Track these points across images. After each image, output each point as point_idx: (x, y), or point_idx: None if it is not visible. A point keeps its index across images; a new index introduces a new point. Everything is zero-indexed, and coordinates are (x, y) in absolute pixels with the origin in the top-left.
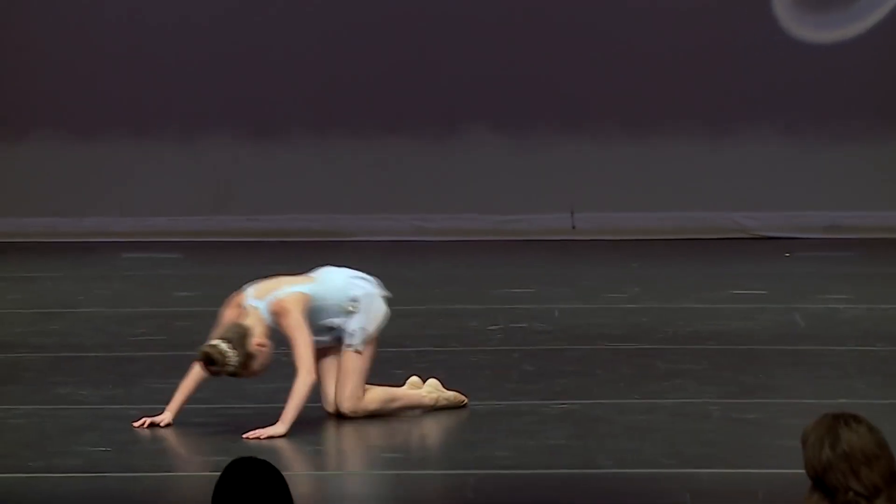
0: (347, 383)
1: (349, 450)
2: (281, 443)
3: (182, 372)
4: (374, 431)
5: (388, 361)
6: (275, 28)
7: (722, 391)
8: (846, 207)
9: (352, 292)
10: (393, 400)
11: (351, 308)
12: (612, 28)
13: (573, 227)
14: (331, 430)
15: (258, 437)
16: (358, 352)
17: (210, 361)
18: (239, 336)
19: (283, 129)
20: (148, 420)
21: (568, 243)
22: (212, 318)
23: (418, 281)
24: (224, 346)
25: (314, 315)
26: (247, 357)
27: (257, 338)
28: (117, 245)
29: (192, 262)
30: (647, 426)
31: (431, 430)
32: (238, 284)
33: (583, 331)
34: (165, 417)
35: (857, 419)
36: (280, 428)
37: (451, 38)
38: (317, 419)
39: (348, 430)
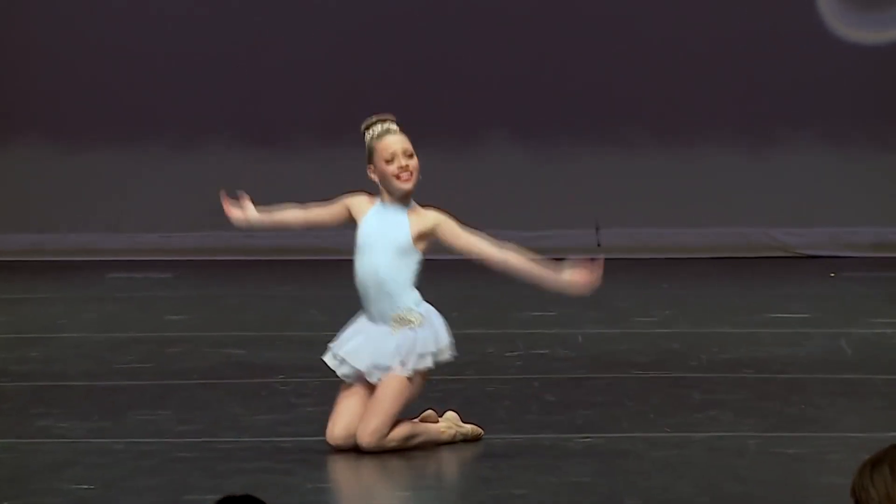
0: (378, 414)
1: (355, 487)
2: (278, 478)
3: (172, 402)
4: (383, 467)
5: None
6: (277, 29)
7: (761, 424)
8: (895, 223)
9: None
10: (413, 436)
11: (415, 319)
12: (641, 29)
13: (598, 245)
14: (335, 465)
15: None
16: (409, 378)
17: None
18: None
19: (285, 137)
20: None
21: (593, 262)
22: (205, 343)
23: (432, 302)
24: None
25: None
26: None
27: None
28: (105, 264)
29: (186, 283)
30: (679, 462)
31: (445, 466)
32: (235, 307)
33: (609, 358)
34: (250, 208)
35: None
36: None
37: (468, 39)
38: (318, 452)
39: (354, 466)
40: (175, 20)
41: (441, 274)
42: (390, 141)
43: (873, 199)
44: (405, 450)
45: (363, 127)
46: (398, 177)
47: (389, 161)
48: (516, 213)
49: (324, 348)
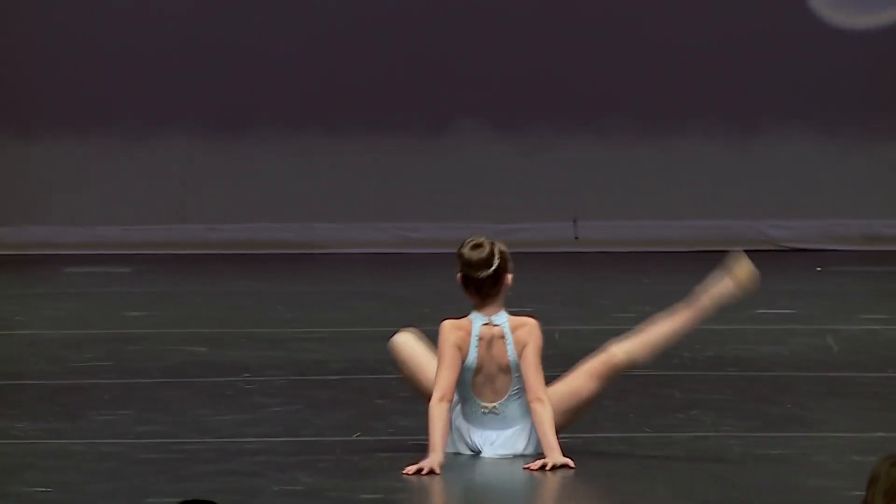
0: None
1: (322, 489)
2: (243, 480)
3: (133, 402)
4: (353, 467)
5: (365, 390)
6: (240, 17)
7: (745, 424)
8: (886, 215)
9: None
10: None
11: None
12: (624, 14)
13: (576, 238)
14: (302, 467)
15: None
16: None
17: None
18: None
19: (251, 127)
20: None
21: (571, 255)
22: (167, 341)
23: (403, 299)
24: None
25: None
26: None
27: None
28: (62, 258)
29: (147, 278)
30: (660, 464)
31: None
32: (198, 303)
33: (587, 355)
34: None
35: None
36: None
37: (442, 29)
38: (284, 453)
39: (322, 468)
40: (133, 9)
41: (417, 269)
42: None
43: (863, 191)
44: (374, 451)
45: (476, 247)
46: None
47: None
48: (492, 205)
49: (290, 345)
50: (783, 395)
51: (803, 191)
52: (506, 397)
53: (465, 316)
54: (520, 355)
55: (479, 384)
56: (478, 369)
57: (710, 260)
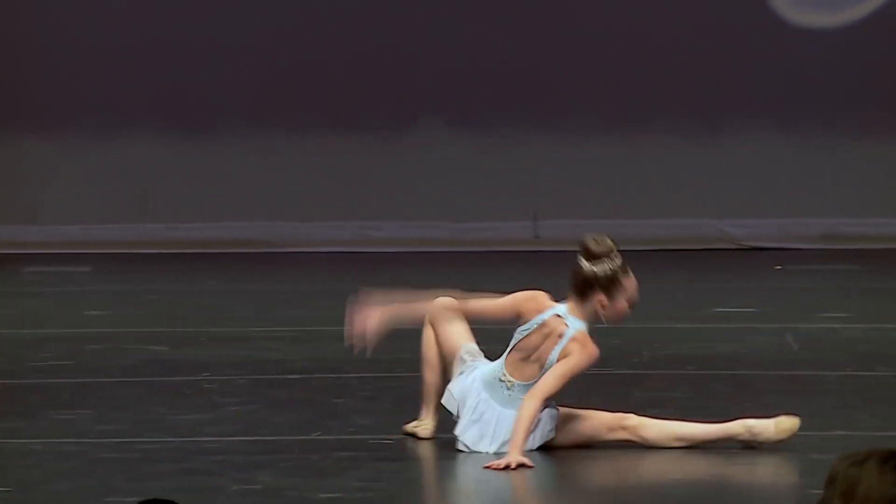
0: None
1: (282, 489)
2: (202, 480)
3: (92, 401)
4: (311, 468)
5: (325, 389)
6: (203, 13)
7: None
8: (846, 214)
9: None
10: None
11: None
12: (586, 12)
13: (537, 237)
14: (261, 467)
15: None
16: None
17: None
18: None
19: (212, 125)
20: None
21: (531, 254)
22: (127, 340)
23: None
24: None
25: None
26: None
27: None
28: (21, 257)
29: (107, 277)
30: (620, 462)
31: (378, 467)
32: (158, 302)
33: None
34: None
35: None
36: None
37: (403, 25)
38: (244, 452)
39: (281, 467)
40: (95, 5)
41: (379, 268)
42: (633, 281)
43: (822, 190)
44: (334, 450)
45: (595, 252)
46: (623, 319)
47: (630, 301)
48: (454, 203)
49: (251, 344)
50: (742, 394)
51: (763, 189)
52: (525, 383)
53: (557, 301)
54: (558, 360)
55: (514, 356)
56: (522, 345)
57: (670, 258)
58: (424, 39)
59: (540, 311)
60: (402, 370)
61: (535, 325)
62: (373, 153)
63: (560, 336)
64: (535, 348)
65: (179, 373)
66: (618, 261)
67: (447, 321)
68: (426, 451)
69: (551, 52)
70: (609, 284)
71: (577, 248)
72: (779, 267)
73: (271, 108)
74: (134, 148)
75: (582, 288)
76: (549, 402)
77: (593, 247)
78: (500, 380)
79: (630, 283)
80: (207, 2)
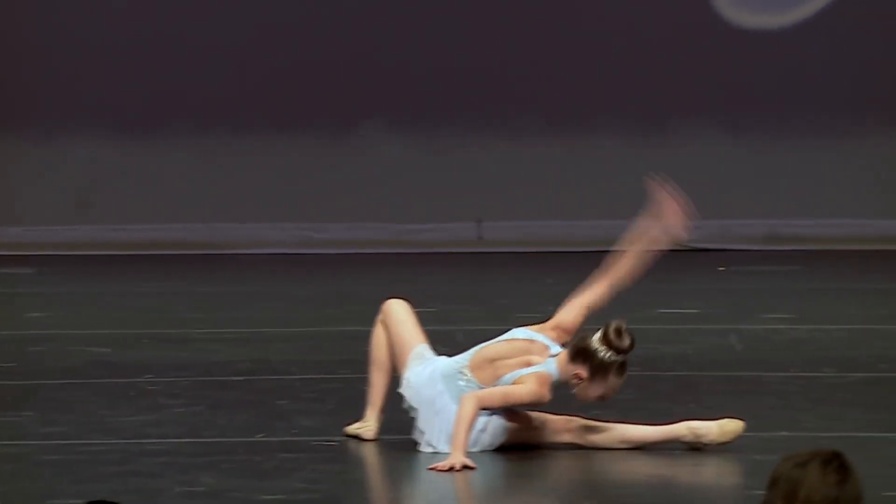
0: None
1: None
2: (146, 482)
3: (35, 403)
4: (253, 469)
5: (269, 391)
6: (147, 13)
7: (650, 423)
8: (788, 215)
9: None
10: None
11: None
12: (530, 13)
13: (480, 238)
14: (205, 469)
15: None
16: None
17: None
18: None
19: (155, 125)
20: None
21: (475, 256)
22: (70, 342)
23: (307, 299)
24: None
25: None
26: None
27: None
28: None
29: (49, 279)
30: (563, 464)
31: (321, 468)
32: (101, 303)
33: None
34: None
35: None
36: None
37: (347, 27)
38: (188, 454)
39: (224, 469)
40: (35, 9)
41: (322, 270)
42: (619, 382)
43: (766, 191)
44: (277, 452)
45: (611, 338)
46: (590, 399)
47: (604, 394)
48: (397, 205)
49: (194, 345)
50: (686, 394)
51: (707, 190)
52: (479, 385)
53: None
54: (512, 381)
55: (482, 354)
56: (500, 349)
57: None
58: (367, 41)
59: (537, 341)
60: (345, 372)
61: (526, 338)
62: (316, 155)
63: (528, 364)
64: (504, 358)
65: (122, 374)
66: (621, 358)
67: (400, 322)
68: (370, 452)
69: (494, 54)
70: (598, 369)
71: (605, 324)
72: (722, 268)
73: (214, 109)
74: (77, 149)
75: (577, 353)
76: (499, 411)
77: (613, 335)
78: (460, 371)
79: (616, 382)
80: (151, 5)
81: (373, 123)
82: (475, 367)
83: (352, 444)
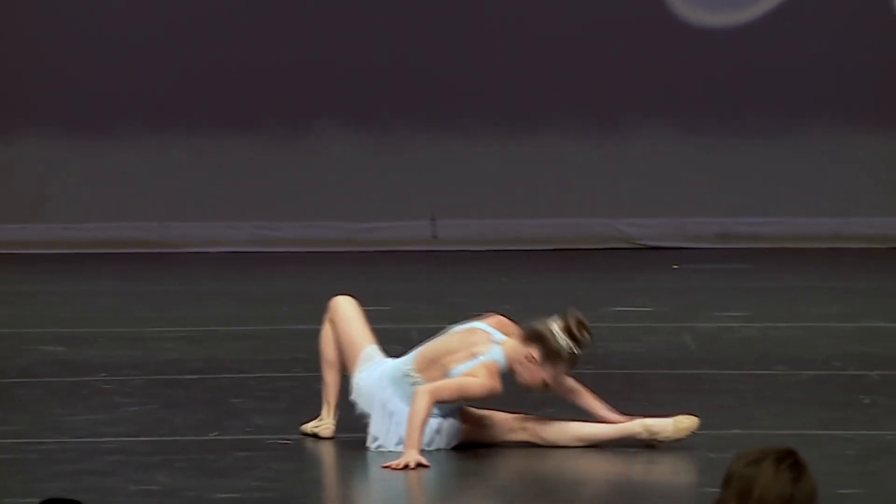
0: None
1: (179, 489)
2: (100, 480)
3: None
4: (209, 467)
5: (223, 389)
6: (100, 9)
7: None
8: (741, 213)
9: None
10: None
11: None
12: (484, 10)
13: (434, 236)
14: (159, 467)
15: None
16: None
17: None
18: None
19: (108, 124)
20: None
21: (429, 254)
22: (23, 340)
23: (261, 298)
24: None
25: None
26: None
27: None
28: None
29: (2, 277)
30: (515, 462)
31: (277, 466)
32: (54, 302)
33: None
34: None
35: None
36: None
37: (301, 25)
38: (141, 453)
39: (178, 468)
40: None
41: (276, 268)
42: (565, 374)
43: (718, 190)
44: (231, 450)
45: (571, 328)
46: (533, 388)
47: (549, 382)
48: (348, 204)
49: (148, 344)
50: (639, 393)
51: (659, 188)
52: (425, 381)
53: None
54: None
55: (425, 354)
56: (440, 345)
57: (568, 258)
58: (320, 40)
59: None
60: (299, 370)
61: (466, 328)
62: (270, 153)
63: (473, 356)
64: (448, 353)
65: (76, 373)
66: (577, 352)
67: (347, 320)
68: (325, 451)
69: (449, 52)
70: (551, 355)
71: (564, 314)
72: (676, 266)
73: (168, 107)
74: (29, 147)
75: (531, 336)
76: (454, 412)
77: (575, 326)
78: (407, 375)
79: (563, 372)
80: (102, 4)
81: (326, 122)
82: (421, 368)
83: (307, 442)
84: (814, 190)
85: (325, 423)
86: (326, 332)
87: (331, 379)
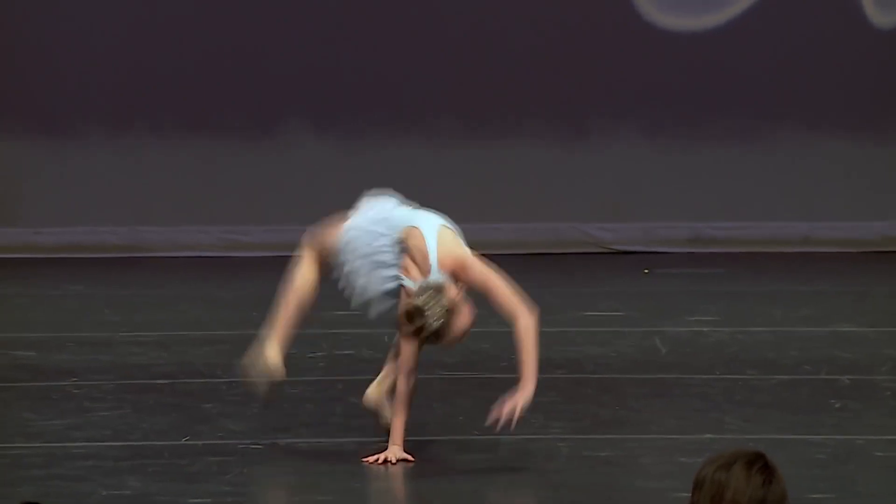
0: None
1: (151, 495)
2: (71, 485)
3: None
4: (180, 474)
5: (194, 394)
6: (64, 9)
7: (572, 426)
8: (711, 217)
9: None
10: None
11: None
12: (450, 13)
13: None
14: (130, 472)
15: (514, 413)
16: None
17: (410, 317)
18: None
19: (73, 126)
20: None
21: None
22: None
23: (230, 302)
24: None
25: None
26: (448, 314)
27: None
28: None
29: None
30: (488, 466)
31: (245, 471)
32: (23, 307)
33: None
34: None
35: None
36: (529, 388)
37: (266, 24)
38: (112, 458)
39: (150, 472)
40: None
41: (244, 272)
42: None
43: (689, 193)
44: (203, 455)
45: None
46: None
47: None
48: (318, 206)
49: (118, 349)
50: (610, 397)
51: (630, 193)
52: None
53: None
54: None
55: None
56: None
57: (537, 262)
58: (287, 41)
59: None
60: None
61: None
62: (237, 156)
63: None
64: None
65: (47, 378)
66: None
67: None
68: (297, 455)
69: (417, 55)
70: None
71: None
72: (646, 270)
73: (135, 111)
74: None
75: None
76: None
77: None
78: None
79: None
80: (68, 3)
81: (295, 125)
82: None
83: (278, 446)
84: (784, 194)
85: (273, 361)
86: (306, 272)
87: (293, 315)
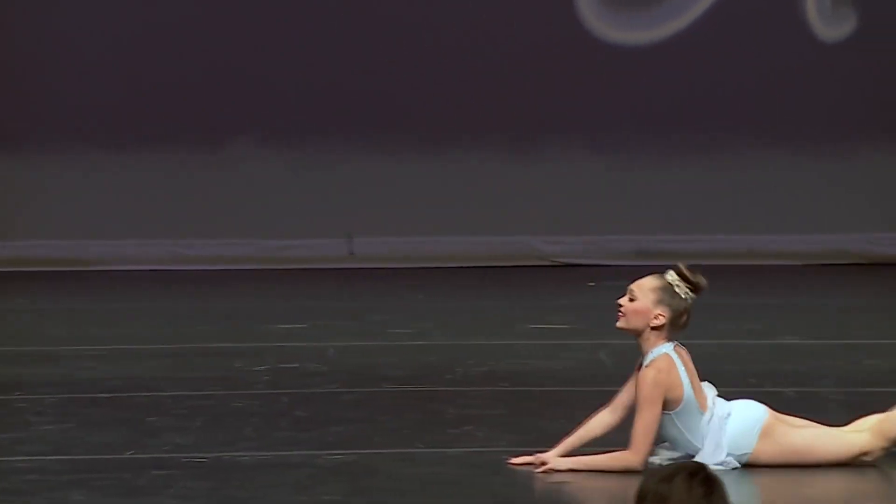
0: None
1: None
2: (14, 500)
3: None
4: (123, 487)
5: (139, 408)
6: (19, 24)
7: (519, 439)
8: (656, 231)
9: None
10: None
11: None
12: (401, 29)
13: (351, 254)
14: (73, 487)
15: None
16: None
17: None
18: None
19: (20, 140)
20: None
21: (345, 272)
22: None
23: (176, 315)
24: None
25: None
26: None
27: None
28: None
29: None
30: (435, 479)
31: (189, 485)
32: None
33: (362, 372)
34: (554, 457)
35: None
36: (563, 463)
37: (219, 42)
38: (56, 472)
39: (94, 486)
40: None
41: (192, 286)
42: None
43: (634, 207)
44: (148, 469)
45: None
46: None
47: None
48: (266, 221)
49: (63, 363)
50: (556, 410)
51: (576, 206)
52: None
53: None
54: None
55: None
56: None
57: (485, 275)
58: (236, 56)
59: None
60: (215, 388)
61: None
62: (185, 171)
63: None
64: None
65: None
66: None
67: None
68: (241, 469)
69: (365, 70)
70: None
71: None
72: (592, 283)
73: (85, 125)
74: None
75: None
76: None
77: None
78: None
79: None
80: (23, 18)
81: (243, 139)
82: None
83: (223, 460)
84: (729, 207)
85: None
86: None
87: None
